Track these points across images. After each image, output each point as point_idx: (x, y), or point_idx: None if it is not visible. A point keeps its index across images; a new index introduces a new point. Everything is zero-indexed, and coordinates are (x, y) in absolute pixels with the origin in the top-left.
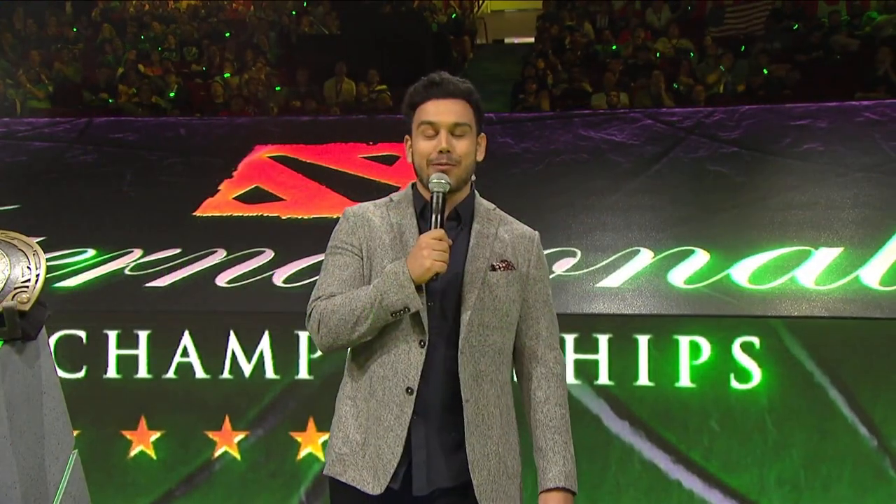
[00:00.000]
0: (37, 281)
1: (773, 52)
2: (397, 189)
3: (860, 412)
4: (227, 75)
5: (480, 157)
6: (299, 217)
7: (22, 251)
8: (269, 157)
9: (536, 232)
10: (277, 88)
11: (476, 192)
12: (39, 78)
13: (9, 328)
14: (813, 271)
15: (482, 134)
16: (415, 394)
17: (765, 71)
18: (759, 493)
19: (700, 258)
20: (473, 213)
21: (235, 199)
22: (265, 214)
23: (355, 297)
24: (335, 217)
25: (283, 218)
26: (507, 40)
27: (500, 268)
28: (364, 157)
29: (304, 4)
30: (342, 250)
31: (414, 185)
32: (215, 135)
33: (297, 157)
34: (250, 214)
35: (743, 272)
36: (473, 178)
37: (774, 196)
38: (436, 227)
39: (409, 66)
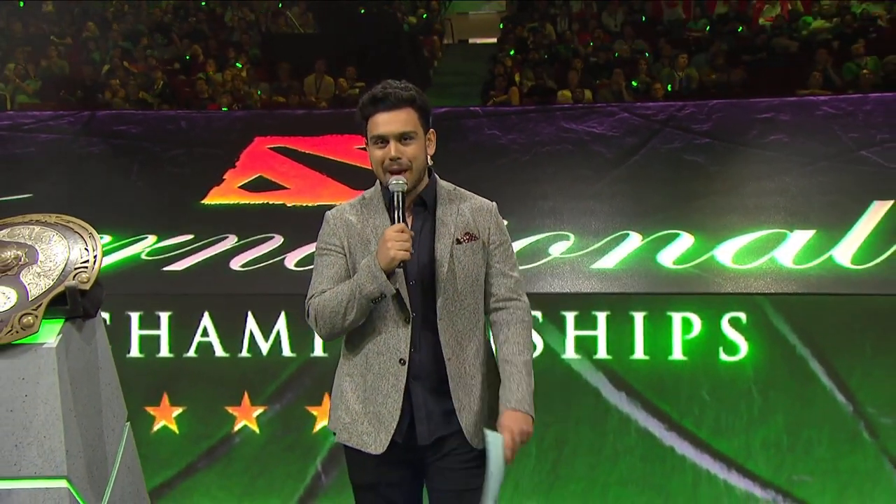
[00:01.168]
0: (95, 262)
1: (721, 53)
2: None
3: (838, 381)
4: (210, 73)
5: (432, 151)
6: (304, 204)
7: (78, 234)
8: (270, 148)
9: (494, 202)
10: (259, 93)
11: (437, 176)
12: (28, 73)
13: (71, 306)
14: (790, 252)
15: (431, 130)
16: (407, 363)
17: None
18: (746, 456)
19: (685, 241)
20: (436, 197)
21: (240, 187)
22: (271, 202)
23: (340, 291)
24: (338, 204)
25: (289, 205)
26: (471, 41)
27: (464, 240)
28: (360, 148)
29: (280, 6)
30: (327, 251)
31: (379, 183)
32: (215, 127)
33: (296, 147)
34: (256, 202)
35: (726, 253)
36: (431, 163)
37: (747, 183)
38: (397, 222)
39: (384, 64)
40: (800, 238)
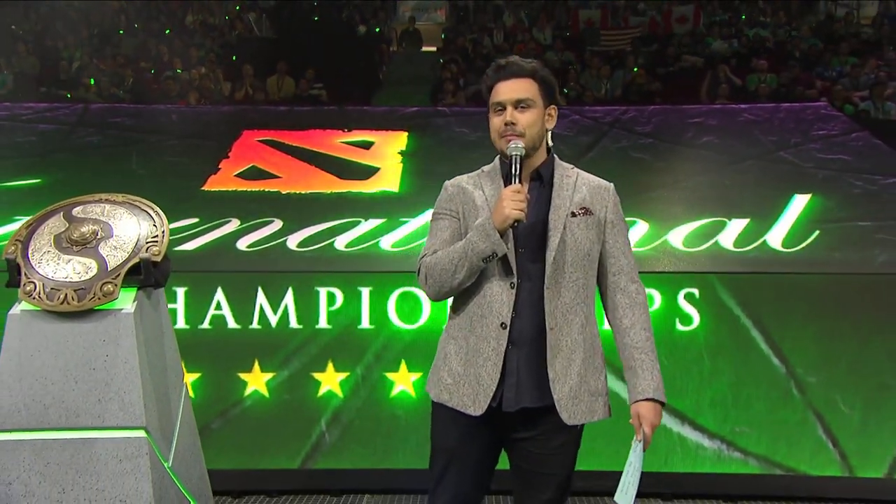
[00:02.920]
0: (163, 237)
1: (640, 66)
2: (377, 169)
3: (774, 346)
4: (178, 70)
5: (551, 126)
6: (298, 192)
7: (145, 211)
8: (259, 141)
9: (611, 183)
10: (218, 85)
11: (555, 156)
12: (1, 68)
13: (144, 276)
14: (730, 237)
15: (552, 105)
16: (508, 328)
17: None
18: (697, 412)
19: (641, 227)
20: (553, 173)
21: (236, 176)
22: (266, 189)
23: (452, 250)
24: (329, 192)
25: (284, 193)
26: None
27: (579, 213)
28: (343, 142)
29: (237, 9)
30: (442, 215)
31: (499, 157)
32: (204, 120)
33: (283, 140)
34: (253, 189)
35: (677, 238)
36: (551, 143)
37: (688, 178)
38: (514, 183)
39: (339, 66)
40: (737, 225)
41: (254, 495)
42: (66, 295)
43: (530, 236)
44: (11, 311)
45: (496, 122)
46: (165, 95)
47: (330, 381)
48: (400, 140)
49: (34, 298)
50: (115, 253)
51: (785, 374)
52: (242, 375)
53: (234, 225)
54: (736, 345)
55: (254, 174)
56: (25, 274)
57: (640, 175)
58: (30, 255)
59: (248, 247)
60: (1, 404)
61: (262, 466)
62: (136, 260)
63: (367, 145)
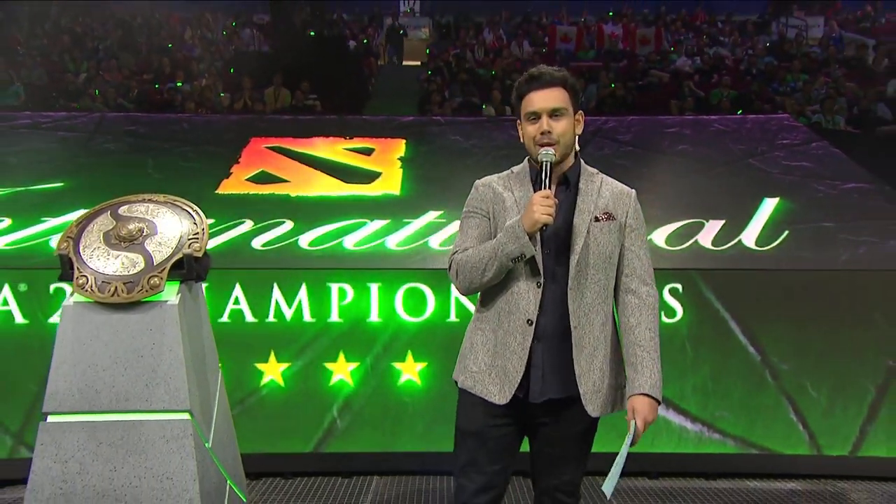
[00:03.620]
0: (203, 234)
1: (612, 80)
2: (379, 173)
3: (751, 337)
4: (179, 84)
5: (579, 131)
6: (306, 195)
7: (186, 210)
8: (266, 148)
9: (633, 189)
10: (221, 94)
11: (581, 160)
12: (12, 79)
13: (187, 271)
14: (709, 237)
15: (580, 112)
16: (534, 324)
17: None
18: (681, 398)
19: None
20: (579, 177)
21: (247, 180)
22: (276, 193)
23: (483, 248)
24: (337, 195)
25: (293, 196)
26: (402, 62)
27: (602, 218)
28: (346, 149)
29: (234, 24)
30: (473, 214)
31: (528, 159)
32: (214, 129)
33: (289, 147)
34: (264, 193)
35: (661, 237)
36: (577, 148)
37: (668, 183)
38: (544, 189)
39: (332, 78)
40: (714, 226)
41: (270, 477)
42: (115, 287)
43: (555, 239)
44: (65, 303)
45: (530, 130)
46: (169, 105)
47: (341, 370)
48: (398, 147)
49: (86, 291)
50: (160, 249)
51: (760, 362)
52: (259, 366)
53: (248, 226)
54: (716, 336)
55: (264, 178)
56: (78, 268)
57: (623, 180)
58: (81, 251)
59: (263, 246)
60: (57, 389)
61: (278, 450)
62: (179, 255)
63: (367, 151)
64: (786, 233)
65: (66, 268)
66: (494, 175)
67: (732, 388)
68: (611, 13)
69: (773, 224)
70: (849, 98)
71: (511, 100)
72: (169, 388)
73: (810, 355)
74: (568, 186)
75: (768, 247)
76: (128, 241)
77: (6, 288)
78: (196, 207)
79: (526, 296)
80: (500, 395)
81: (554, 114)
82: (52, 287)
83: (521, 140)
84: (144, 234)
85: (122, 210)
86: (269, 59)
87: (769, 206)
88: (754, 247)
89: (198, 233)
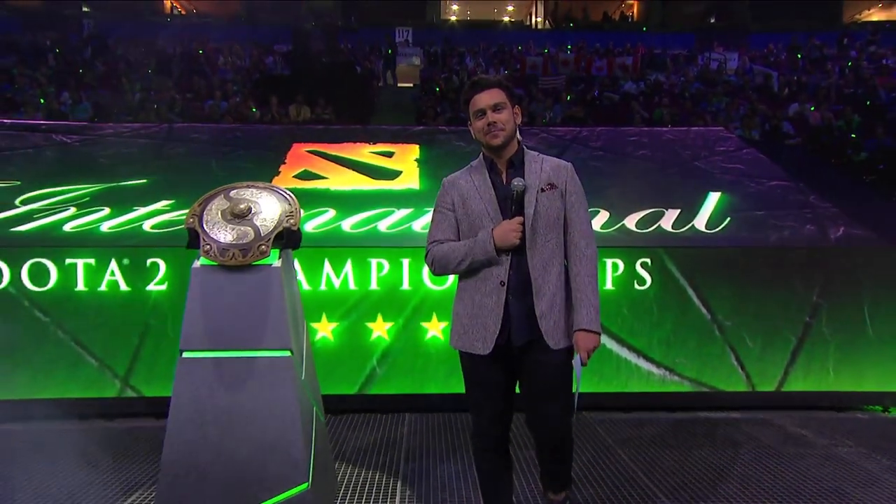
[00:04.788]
0: (297, 212)
1: (573, 100)
2: (400, 172)
3: (703, 300)
4: (217, 101)
5: (519, 121)
6: (343, 189)
7: (281, 194)
8: (306, 151)
9: (569, 162)
10: (253, 109)
11: (524, 146)
12: (81, 98)
13: (286, 241)
14: (669, 222)
15: (517, 106)
16: (506, 284)
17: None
18: (648, 349)
19: (603, 215)
20: (523, 159)
21: (294, 177)
22: (318, 187)
23: (457, 248)
24: (368, 189)
25: (332, 190)
26: (399, 84)
27: (546, 189)
28: (370, 152)
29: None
30: (440, 209)
31: (482, 153)
32: (261, 137)
33: (325, 150)
34: (308, 187)
35: (631, 222)
36: (520, 137)
37: (633, 181)
38: (515, 216)
39: (344, 96)
40: (672, 214)
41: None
42: (233, 253)
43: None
44: (194, 266)
45: (479, 124)
46: (209, 118)
47: (379, 328)
48: (414, 151)
49: (211, 256)
50: (266, 223)
51: (709, 320)
52: (314, 325)
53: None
54: (677, 299)
55: (307, 176)
56: (203, 239)
57: (598, 179)
58: (205, 225)
59: (314, 229)
60: (191, 332)
61: (328, 392)
62: (280, 229)
63: (389, 154)
64: (728, 219)
65: (193, 238)
66: (458, 171)
67: (688, 340)
68: (569, 46)
69: (717, 212)
70: (760, 117)
71: (461, 105)
72: (276, 332)
73: (747, 314)
74: (514, 168)
75: (715, 230)
76: (240, 217)
77: (113, 262)
78: (289, 192)
79: (497, 263)
80: (482, 347)
81: (496, 108)
82: (149, 261)
83: (473, 136)
84: (252, 211)
85: (233, 193)
86: (291, 81)
87: (713, 198)
88: (705, 230)
89: (292, 211)
